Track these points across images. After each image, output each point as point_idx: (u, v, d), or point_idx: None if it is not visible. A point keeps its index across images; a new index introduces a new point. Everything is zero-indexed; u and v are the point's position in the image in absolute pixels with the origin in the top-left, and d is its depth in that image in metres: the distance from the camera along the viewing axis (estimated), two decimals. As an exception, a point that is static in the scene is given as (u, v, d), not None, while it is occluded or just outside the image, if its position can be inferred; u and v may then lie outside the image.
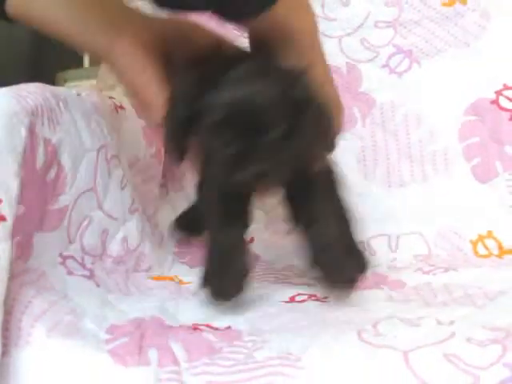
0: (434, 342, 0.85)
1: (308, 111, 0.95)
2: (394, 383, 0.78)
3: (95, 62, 2.46)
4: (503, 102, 1.48)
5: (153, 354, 0.83)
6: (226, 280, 1.03)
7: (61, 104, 1.08)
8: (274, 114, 0.92)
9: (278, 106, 0.93)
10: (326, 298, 1.09)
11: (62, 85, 2.26)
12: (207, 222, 1.08)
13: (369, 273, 1.27)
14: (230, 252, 1.03)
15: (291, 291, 1.13)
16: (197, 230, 1.39)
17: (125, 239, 1.19)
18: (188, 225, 1.44)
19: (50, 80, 2.27)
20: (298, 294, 1.12)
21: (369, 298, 1.10)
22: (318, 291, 1.11)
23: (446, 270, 1.26)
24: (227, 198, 1.02)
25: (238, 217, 1.05)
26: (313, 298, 1.11)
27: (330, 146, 1.02)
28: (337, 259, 1.00)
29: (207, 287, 1.04)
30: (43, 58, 2.38)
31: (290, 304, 1.08)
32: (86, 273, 1.08)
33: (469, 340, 0.85)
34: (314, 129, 0.96)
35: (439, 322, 0.92)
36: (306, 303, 1.08)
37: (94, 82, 1.74)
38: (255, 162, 0.90)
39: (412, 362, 0.80)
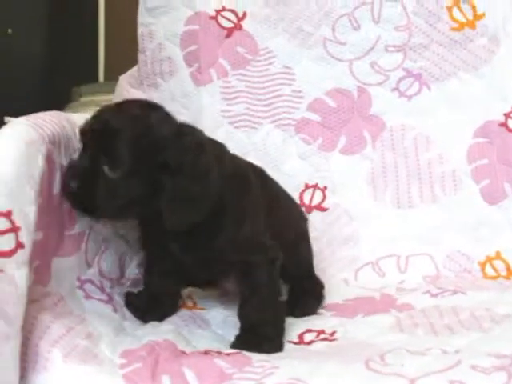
0: (441, 369, 0.87)
1: None
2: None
3: (110, 76, 2.50)
4: (512, 124, 1.50)
5: (166, 380, 0.86)
6: None
7: (76, 131, 1.11)
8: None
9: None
10: (333, 333, 1.12)
11: (76, 99, 2.28)
12: None
13: (378, 294, 1.30)
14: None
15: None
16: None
17: (140, 264, 1.21)
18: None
19: (65, 94, 2.30)
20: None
21: (376, 326, 1.12)
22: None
23: (454, 292, 1.28)
24: None
25: None
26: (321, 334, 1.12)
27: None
28: None
29: None
30: (59, 73, 2.40)
31: (298, 346, 1.09)
32: (104, 297, 1.11)
33: (474, 367, 0.87)
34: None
35: (445, 352, 0.94)
36: (314, 344, 1.09)
37: (108, 96, 1.73)
38: None
39: (419, 388, 0.83)
